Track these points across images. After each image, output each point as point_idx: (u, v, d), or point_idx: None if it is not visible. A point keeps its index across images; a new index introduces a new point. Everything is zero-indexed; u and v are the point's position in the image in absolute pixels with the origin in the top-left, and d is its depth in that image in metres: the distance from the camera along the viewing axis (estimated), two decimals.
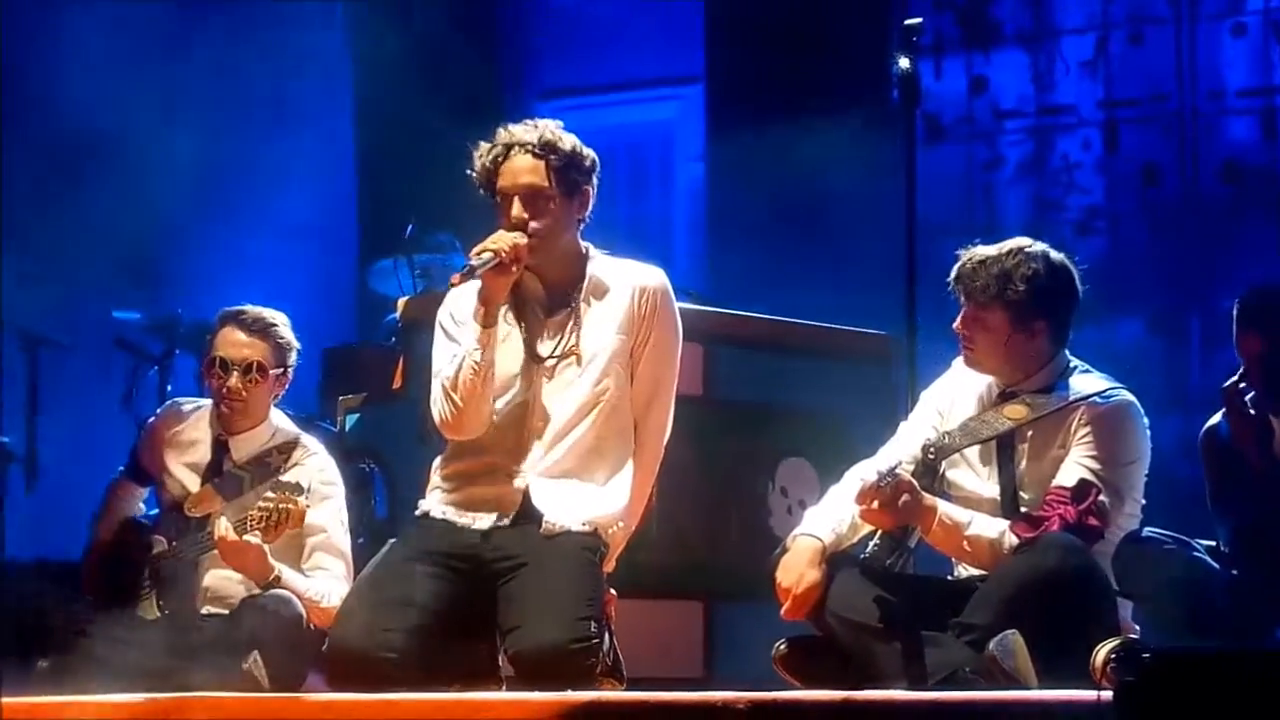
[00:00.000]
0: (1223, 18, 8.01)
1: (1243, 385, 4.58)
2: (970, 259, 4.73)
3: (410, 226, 7.14)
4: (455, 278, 4.49)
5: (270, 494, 4.85)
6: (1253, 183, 7.96)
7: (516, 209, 4.50)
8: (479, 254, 4.45)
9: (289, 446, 5.15)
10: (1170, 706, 3.21)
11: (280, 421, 5.19)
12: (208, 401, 5.24)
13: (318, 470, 5.11)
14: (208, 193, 8.49)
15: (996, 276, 4.68)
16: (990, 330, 4.71)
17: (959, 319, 4.75)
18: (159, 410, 5.40)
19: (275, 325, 5.13)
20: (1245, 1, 7.98)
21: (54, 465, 7.66)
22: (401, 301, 6.52)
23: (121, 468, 5.33)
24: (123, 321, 7.57)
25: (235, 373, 5.07)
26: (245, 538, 4.80)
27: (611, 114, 9.00)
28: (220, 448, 5.14)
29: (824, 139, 8.11)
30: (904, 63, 5.43)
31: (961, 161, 8.48)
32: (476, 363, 4.46)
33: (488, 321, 4.48)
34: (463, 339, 4.53)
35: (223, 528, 4.83)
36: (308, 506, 4.86)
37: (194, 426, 5.21)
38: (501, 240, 4.46)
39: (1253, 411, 4.57)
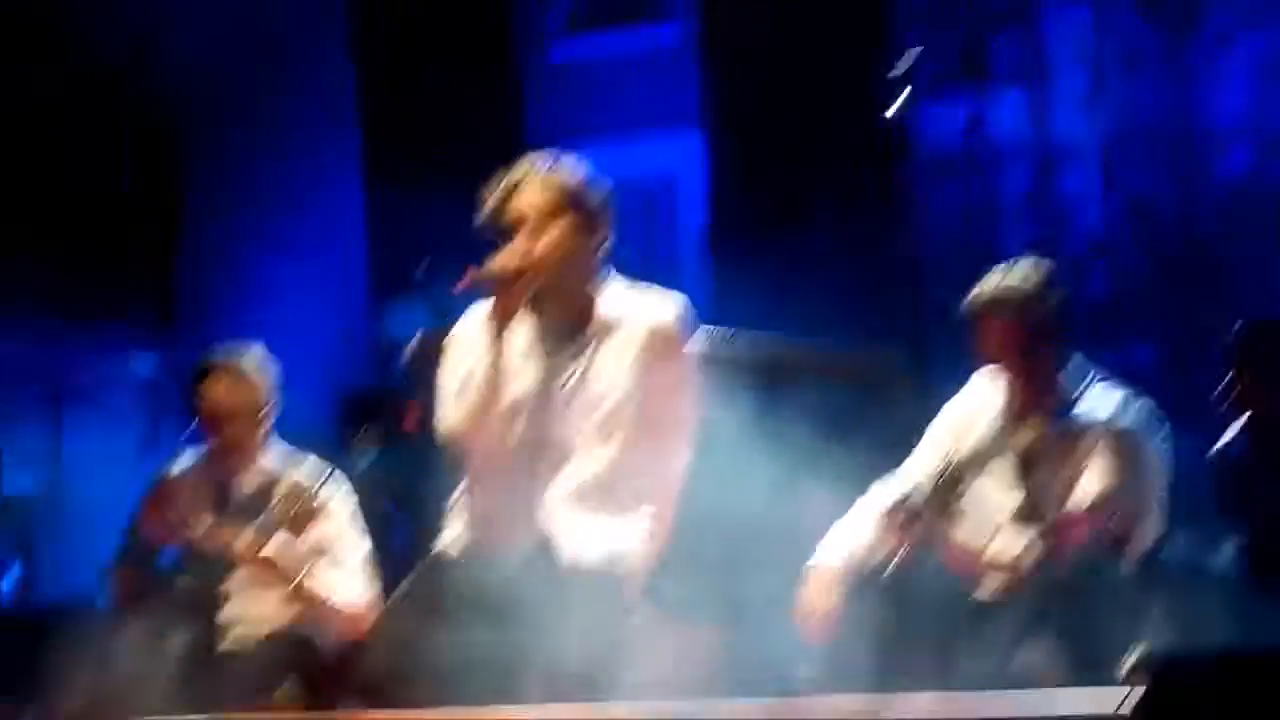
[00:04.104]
0: (1216, 48, 8.08)
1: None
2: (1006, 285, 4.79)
3: (423, 265, 7.15)
4: (459, 287, 4.52)
5: (282, 501, 5.01)
6: (1250, 213, 8.00)
7: (521, 237, 4.52)
8: (482, 272, 4.48)
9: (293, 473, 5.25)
10: (1195, 710, 3.25)
11: (278, 450, 5.25)
12: (194, 451, 5.31)
13: (326, 485, 5.23)
14: (228, 223, 8.52)
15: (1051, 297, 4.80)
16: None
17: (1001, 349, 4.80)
18: (152, 483, 5.39)
19: (248, 373, 5.25)
20: (1237, 33, 8.05)
21: (78, 512, 7.68)
22: (414, 340, 6.53)
23: (118, 553, 5.34)
24: (142, 364, 7.59)
25: (223, 427, 5.20)
26: (263, 554, 4.93)
27: (616, 160, 9.04)
28: (222, 489, 5.22)
29: (820, 176, 8.13)
30: (901, 99, 5.48)
31: (959, 198, 8.51)
32: (485, 372, 4.49)
33: (497, 333, 4.50)
34: (473, 352, 4.55)
35: (241, 547, 4.95)
36: (315, 504, 5.02)
37: (191, 485, 5.26)
38: (506, 260, 4.49)
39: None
